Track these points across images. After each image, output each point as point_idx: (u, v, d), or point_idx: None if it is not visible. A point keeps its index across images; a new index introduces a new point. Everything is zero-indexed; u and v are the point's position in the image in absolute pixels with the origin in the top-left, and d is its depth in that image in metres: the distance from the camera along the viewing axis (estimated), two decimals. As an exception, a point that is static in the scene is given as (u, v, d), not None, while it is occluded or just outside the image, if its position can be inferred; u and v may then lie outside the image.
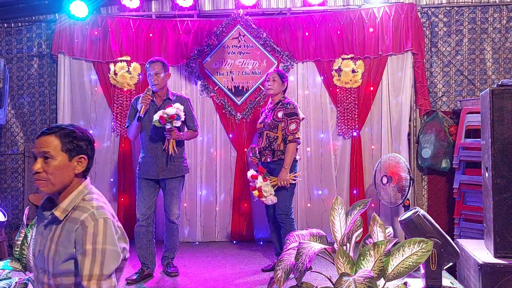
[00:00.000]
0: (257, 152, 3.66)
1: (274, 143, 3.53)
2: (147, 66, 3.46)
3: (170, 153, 3.35)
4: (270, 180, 3.48)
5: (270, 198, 3.43)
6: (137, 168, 3.51)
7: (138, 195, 3.45)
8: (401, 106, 4.55)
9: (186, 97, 3.64)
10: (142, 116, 3.30)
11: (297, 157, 3.62)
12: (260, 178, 3.45)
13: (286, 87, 3.71)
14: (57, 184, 1.61)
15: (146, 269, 3.41)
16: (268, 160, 3.57)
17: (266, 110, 3.73)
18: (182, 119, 3.28)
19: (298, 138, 3.55)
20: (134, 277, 3.33)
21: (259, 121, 3.74)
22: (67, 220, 1.60)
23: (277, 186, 3.47)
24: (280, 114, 3.53)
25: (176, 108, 3.25)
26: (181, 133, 3.43)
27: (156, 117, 3.25)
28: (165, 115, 3.20)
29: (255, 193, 3.46)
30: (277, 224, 3.63)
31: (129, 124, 3.48)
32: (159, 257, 3.61)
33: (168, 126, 3.24)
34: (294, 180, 3.53)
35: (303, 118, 3.68)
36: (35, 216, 4.77)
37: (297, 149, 3.59)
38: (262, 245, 4.53)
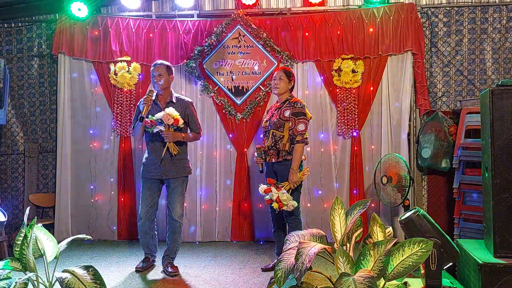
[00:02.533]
0: (262, 152, 3.58)
1: (279, 142, 3.46)
2: (152, 68, 3.54)
3: (171, 153, 3.43)
4: (282, 186, 3.38)
5: (292, 204, 3.32)
6: (141, 168, 3.61)
7: (142, 193, 3.57)
8: (401, 106, 4.55)
9: (189, 100, 3.67)
10: (144, 116, 3.37)
11: (303, 157, 3.52)
12: (273, 189, 3.34)
13: (293, 85, 3.63)
14: None
15: (151, 257, 3.68)
16: (273, 160, 3.49)
17: (273, 108, 3.67)
18: (169, 123, 3.34)
19: (306, 138, 3.47)
20: (143, 264, 3.60)
21: (265, 119, 3.66)
22: None
23: (290, 190, 3.40)
24: (287, 113, 3.46)
25: (164, 113, 3.33)
26: (182, 134, 3.49)
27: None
28: (148, 119, 3.34)
29: (275, 205, 3.32)
30: (281, 223, 3.60)
31: (134, 125, 3.58)
32: (160, 255, 3.69)
33: (154, 130, 3.36)
34: (303, 177, 3.46)
35: (311, 118, 3.59)
36: (35, 216, 4.78)
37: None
38: (262, 245, 4.53)
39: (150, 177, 3.51)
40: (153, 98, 3.46)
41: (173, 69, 3.64)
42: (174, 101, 3.55)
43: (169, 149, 3.43)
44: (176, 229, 3.56)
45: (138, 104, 3.61)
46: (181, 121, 3.40)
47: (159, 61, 3.59)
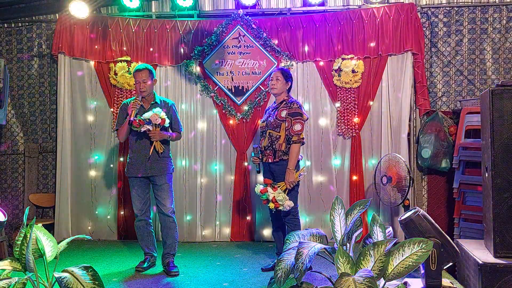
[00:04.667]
0: (259, 152, 3.59)
1: (276, 142, 3.47)
2: (134, 73, 3.62)
3: (158, 151, 3.56)
4: (278, 186, 3.41)
5: (288, 204, 3.34)
6: (126, 167, 3.69)
7: (132, 193, 3.66)
8: (401, 106, 4.55)
9: (172, 102, 3.82)
10: (133, 119, 3.48)
11: (299, 157, 3.54)
12: (269, 189, 3.37)
13: (290, 86, 3.63)
14: None
15: (151, 257, 3.71)
16: (270, 160, 3.50)
17: (270, 108, 3.68)
18: (157, 122, 3.46)
19: (303, 138, 3.47)
20: (144, 265, 3.63)
21: (262, 119, 3.68)
22: None
23: (287, 190, 3.42)
24: (283, 114, 3.47)
25: (152, 113, 3.46)
26: (167, 133, 3.61)
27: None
28: (136, 119, 3.45)
29: (271, 205, 3.35)
30: (281, 223, 3.60)
31: (118, 128, 3.67)
32: (159, 251, 3.75)
33: (142, 129, 3.47)
34: (300, 177, 3.48)
35: (307, 118, 3.61)
36: (35, 216, 4.78)
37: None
38: (262, 245, 4.53)
39: (136, 176, 3.60)
40: (140, 101, 3.58)
41: (154, 71, 3.71)
42: (158, 102, 3.68)
43: (155, 148, 3.56)
44: (170, 225, 3.62)
45: (121, 106, 3.70)
46: (167, 121, 3.55)
47: (141, 66, 3.65)
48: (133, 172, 3.60)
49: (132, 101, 3.57)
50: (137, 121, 3.44)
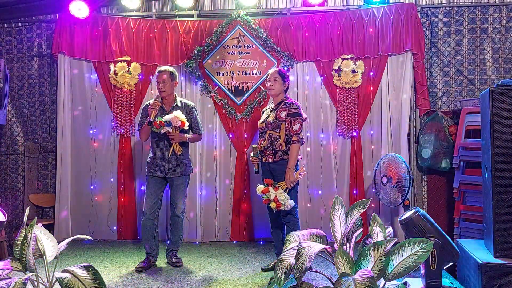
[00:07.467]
0: (258, 152, 3.61)
1: (276, 142, 3.48)
2: (157, 73, 3.73)
3: (176, 153, 3.64)
4: (279, 186, 3.42)
5: (289, 204, 3.35)
6: (146, 167, 3.78)
7: (147, 191, 3.72)
8: (401, 106, 4.55)
9: (192, 104, 3.89)
10: (152, 120, 3.55)
11: (298, 157, 3.56)
12: (271, 189, 3.38)
13: (288, 86, 3.65)
14: None
15: (152, 258, 3.71)
16: (270, 160, 3.51)
17: (268, 109, 3.70)
18: (177, 124, 3.54)
19: (302, 138, 3.50)
20: (143, 265, 3.62)
21: (261, 120, 3.69)
22: None
23: (287, 189, 3.44)
24: (283, 114, 3.49)
25: (173, 116, 3.54)
26: (187, 135, 3.68)
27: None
28: (156, 120, 3.52)
29: (273, 205, 3.36)
30: (279, 223, 3.61)
31: (140, 128, 3.76)
32: (160, 255, 3.77)
33: (162, 131, 3.54)
34: (300, 176, 3.49)
35: (305, 119, 3.63)
36: (35, 216, 4.78)
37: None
38: (262, 245, 4.53)
39: (156, 175, 3.68)
40: (160, 102, 3.65)
41: (176, 74, 3.78)
42: (179, 104, 3.74)
43: (174, 150, 3.63)
44: (178, 224, 3.75)
45: (143, 107, 3.79)
46: (186, 124, 3.61)
47: (163, 68, 3.75)
48: (152, 172, 3.70)
49: (152, 102, 3.64)
50: (157, 122, 3.50)
